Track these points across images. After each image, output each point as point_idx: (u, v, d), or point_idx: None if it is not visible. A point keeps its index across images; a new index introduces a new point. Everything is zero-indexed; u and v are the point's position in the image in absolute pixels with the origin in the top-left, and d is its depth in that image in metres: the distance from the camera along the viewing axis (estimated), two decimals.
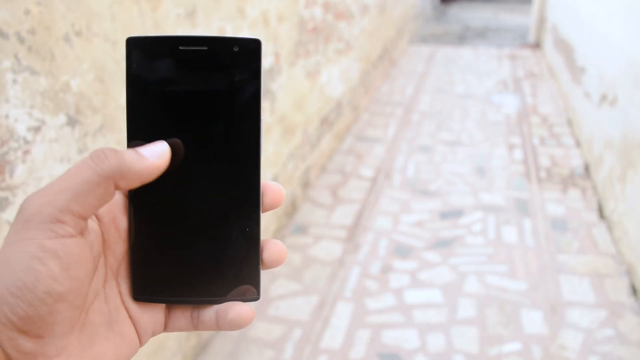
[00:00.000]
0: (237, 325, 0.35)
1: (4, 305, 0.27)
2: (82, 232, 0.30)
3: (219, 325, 0.36)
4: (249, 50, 0.35)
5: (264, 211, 0.37)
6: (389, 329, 1.92)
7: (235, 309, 0.35)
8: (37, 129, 1.05)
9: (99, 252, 0.33)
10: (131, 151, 0.32)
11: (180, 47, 0.34)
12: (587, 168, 3.04)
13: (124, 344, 0.34)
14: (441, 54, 5.72)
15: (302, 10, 2.54)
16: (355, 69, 3.65)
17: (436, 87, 4.60)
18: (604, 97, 2.92)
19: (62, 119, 1.10)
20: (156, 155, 0.33)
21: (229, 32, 1.82)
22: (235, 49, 0.35)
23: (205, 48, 0.35)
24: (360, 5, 3.66)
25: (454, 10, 8.72)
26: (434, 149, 3.37)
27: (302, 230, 2.50)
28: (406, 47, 5.89)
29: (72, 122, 1.13)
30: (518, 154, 3.27)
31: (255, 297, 0.37)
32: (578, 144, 3.37)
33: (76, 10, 1.11)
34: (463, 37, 6.69)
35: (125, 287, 0.35)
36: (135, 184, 0.32)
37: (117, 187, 0.31)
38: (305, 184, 2.79)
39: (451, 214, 2.62)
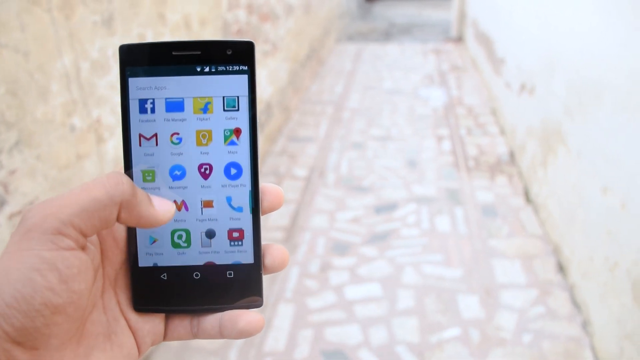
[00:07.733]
0: (248, 333, 0.35)
1: None
2: (83, 247, 0.30)
3: (224, 334, 0.35)
4: (242, 52, 0.35)
5: (264, 214, 0.37)
6: (331, 326, 1.93)
7: (246, 317, 0.35)
8: None
9: (98, 263, 0.32)
10: (144, 192, 0.33)
11: (173, 53, 0.34)
12: (512, 155, 3.16)
13: (122, 354, 0.33)
14: (368, 51, 5.81)
15: (226, 13, 2.52)
16: (283, 69, 3.66)
17: (365, 84, 4.67)
18: (523, 87, 3.05)
19: None
20: (163, 209, 0.33)
21: (149, 38, 1.78)
22: (229, 52, 0.35)
23: (199, 52, 0.35)
24: (285, 5, 3.66)
25: (378, 7, 8.88)
26: (365, 145, 3.41)
27: None
28: (333, 45, 5.95)
29: None
30: (446, 145, 3.37)
31: (259, 303, 0.37)
32: (502, 132, 3.50)
33: None
34: (389, 34, 6.82)
35: (123, 297, 0.35)
36: (132, 222, 0.32)
37: (118, 217, 0.31)
38: None
39: (385, 208, 2.67)
